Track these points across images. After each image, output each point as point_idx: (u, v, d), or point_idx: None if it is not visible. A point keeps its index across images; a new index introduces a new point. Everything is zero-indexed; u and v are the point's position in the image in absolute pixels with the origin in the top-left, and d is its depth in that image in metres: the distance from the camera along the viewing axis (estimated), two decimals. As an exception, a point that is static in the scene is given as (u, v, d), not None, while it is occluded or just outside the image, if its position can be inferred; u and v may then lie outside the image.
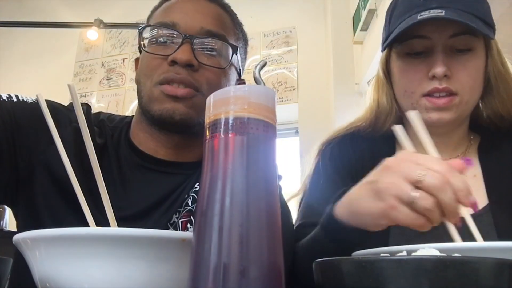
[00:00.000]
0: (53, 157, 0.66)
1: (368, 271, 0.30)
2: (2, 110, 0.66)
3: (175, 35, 0.71)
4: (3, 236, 2.34)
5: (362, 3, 2.26)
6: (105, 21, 2.79)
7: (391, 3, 0.82)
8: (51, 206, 0.66)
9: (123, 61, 3.31)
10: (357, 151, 0.84)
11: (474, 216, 0.69)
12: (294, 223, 0.81)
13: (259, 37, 3.00)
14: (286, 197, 0.84)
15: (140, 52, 0.76)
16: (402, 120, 0.84)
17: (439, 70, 0.70)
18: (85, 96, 3.26)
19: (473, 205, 0.49)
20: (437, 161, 0.49)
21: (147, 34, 0.74)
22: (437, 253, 0.32)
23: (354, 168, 0.80)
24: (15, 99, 0.70)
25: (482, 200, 0.74)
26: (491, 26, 0.73)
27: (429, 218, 0.48)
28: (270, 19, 3.01)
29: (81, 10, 3.22)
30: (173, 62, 0.69)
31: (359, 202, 0.55)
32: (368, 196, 0.53)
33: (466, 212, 0.51)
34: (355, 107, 2.42)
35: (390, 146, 0.82)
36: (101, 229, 0.33)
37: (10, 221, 2.52)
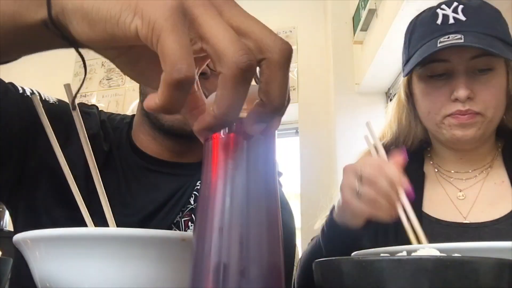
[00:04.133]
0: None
1: (368, 271, 0.30)
2: (22, 104, 0.65)
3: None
4: (3, 236, 2.34)
5: (362, 3, 2.26)
6: (105, 21, 2.79)
7: (409, 25, 0.83)
8: (51, 211, 0.65)
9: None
10: None
11: (505, 218, 0.73)
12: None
13: (259, 37, 3.00)
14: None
15: None
16: (426, 141, 0.87)
17: (461, 93, 0.71)
18: (85, 96, 3.26)
19: (409, 192, 0.58)
20: (377, 158, 0.62)
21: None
22: (437, 253, 0.32)
23: None
24: (38, 96, 0.70)
25: (509, 205, 0.75)
26: (510, 44, 0.74)
27: (376, 206, 0.58)
28: (270, 19, 2.99)
29: (81, 10, 3.22)
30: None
31: (337, 204, 0.65)
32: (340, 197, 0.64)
33: (404, 197, 0.58)
34: (355, 107, 2.43)
35: (418, 162, 0.84)
36: (101, 229, 0.33)
37: (10, 221, 2.52)
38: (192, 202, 0.74)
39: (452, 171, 0.83)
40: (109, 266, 0.33)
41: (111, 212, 0.47)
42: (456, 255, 0.33)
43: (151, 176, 0.74)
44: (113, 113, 0.82)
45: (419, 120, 0.85)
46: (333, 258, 0.33)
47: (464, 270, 0.29)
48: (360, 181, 0.60)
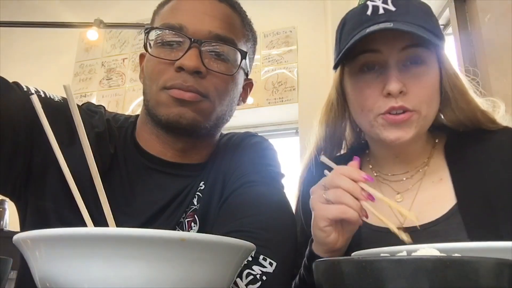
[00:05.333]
0: (70, 160, 0.65)
1: (368, 271, 0.30)
2: (27, 102, 0.65)
3: (182, 39, 0.69)
4: (3, 236, 2.34)
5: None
6: (105, 21, 2.79)
7: (340, 22, 0.81)
8: (60, 209, 0.65)
9: (123, 61, 3.31)
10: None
11: (443, 219, 0.71)
12: None
13: (259, 37, 2.97)
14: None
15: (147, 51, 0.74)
16: (361, 146, 0.87)
17: (393, 87, 0.69)
18: (85, 96, 3.26)
19: (366, 178, 0.61)
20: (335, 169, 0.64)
21: (153, 35, 0.72)
22: (437, 253, 0.32)
23: None
24: (42, 95, 0.70)
25: (450, 201, 0.72)
26: (441, 39, 0.72)
27: (346, 204, 0.59)
28: (270, 19, 3.00)
29: (81, 10, 3.22)
30: (180, 68, 0.67)
31: (312, 225, 0.65)
32: (313, 216, 0.65)
33: (365, 186, 0.61)
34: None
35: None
36: (101, 229, 0.33)
37: (10, 221, 2.52)
38: (195, 202, 0.74)
39: (390, 174, 0.81)
40: (109, 266, 0.33)
41: (110, 212, 0.47)
42: (456, 255, 0.33)
43: (155, 176, 0.74)
44: (118, 113, 0.82)
45: (349, 121, 0.84)
46: (333, 258, 0.33)
47: (464, 270, 0.29)
48: (325, 189, 0.63)
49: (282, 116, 2.94)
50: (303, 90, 2.79)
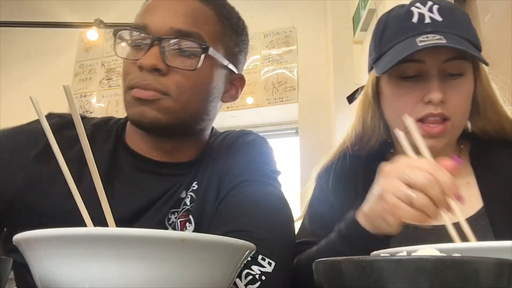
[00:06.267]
0: (33, 192, 0.68)
1: (368, 271, 0.30)
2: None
3: (145, 38, 0.69)
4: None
5: (362, 3, 2.26)
6: (105, 21, 2.79)
7: (379, 22, 0.81)
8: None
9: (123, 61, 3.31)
10: (351, 172, 0.85)
11: (470, 220, 0.72)
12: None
13: (259, 37, 3.00)
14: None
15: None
16: (387, 139, 0.86)
17: (436, 96, 0.70)
18: (85, 96, 3.26)
19: (459, 198, 0.55)
20: (427, 162, 0.57)
21: (121, 37, 0.72)
22: (437, 253, 0.32)
23: (350, 188, 0.82)
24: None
25: (476, 204, 0.74)
26: (480, 49, 0.74)
27: (427, 213, 0.54)
28: (270, 19, 3.00)
29: (81, 10, 3.22)
30: (141, 68, 0.67)
31: (369, 208, 0.61)
32: (375, 202, 0.60)
33: (454, 204, 0.56)
34: (355, 107, 2.43)
35: (380, 161, 0.83)
36: (101, 229, 0.33)
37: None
38: (188, 203, 0.74)
39: None
40: (109, 266, 0.33)
41: (110, 212, 0.47)
42: (456, 255, 0.33)
43: (142, 175, 0.74)
44: (108, 117, 0.83)
45: (383, 121, 0.84)
46: (333, 258, 0.33)
47: (464, 270, 0.29)
48: (409, 187, 0.56)
49: (282, 116, 2.94)
50: (303, 90, 2.79)
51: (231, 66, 0.76)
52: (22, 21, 2.92)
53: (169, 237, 0.33)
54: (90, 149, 0.44)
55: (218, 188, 0.75)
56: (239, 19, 0.80)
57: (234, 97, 0.81)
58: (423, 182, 0.54)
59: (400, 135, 0.62)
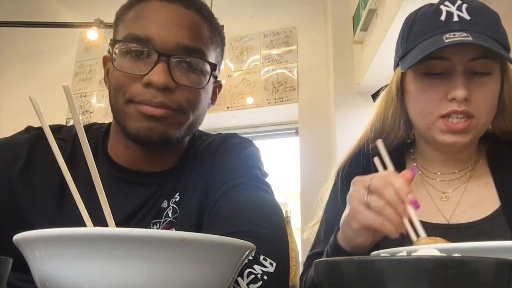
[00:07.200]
0: (19, 204, 0.68)
1: (368, 271, 0.30)
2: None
3: (150, 52, 0.67)
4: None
5: (362, 3, 2.26)
6: (105, 21, 2.79)
7: (408, 19, 0.81)
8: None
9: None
10: (368, 169, 0.85)
11: (488, 219, 0.74)
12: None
13: (259, 37, 2.99)
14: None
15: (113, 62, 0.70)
16: (406, 140, 0.87)
17: (460, 93, 0.71)
18: (85, 96, 3.25)
19: (414, 203, 0.58)
20: (387, 171, 0.63)
21: (118, 45, 0.70)
22: (437, 253, 0.32)
23: None
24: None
25: (494, 204, 0.75)
26: (508, 50, 0.74)
27: (384, 215, 0.58)
28: (270, 19, 3.00)
29: (81, 10, 3.22)
30: (148, 84, 0.65)
31: (342, 219, 0.66)
32: (345, 211, 0.65)
33: (411, 210, 0.59)
34: (355, 107, 2.43)
35: (401, 165, 0.84)
36: (101, 229, 0.33)
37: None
38: (170, 215, 0.74)
39: (438, 173, 0.83)
40: (109, 266, 0.33)
41: (110, 212, 0.47)
42: (456, 255, 0.33)
43: (122, 185, 0.74)
44: (85, 125, 0.81)
45: (404, 119, 0.84)
46: (333, 258, 0.33)
47: (464, 270, 0.29)
48: (368, 191, 0.61)
49: (282, 116, 2.94)
50: (303, 90, 2.79)
51: (217, 75, 0.78)
52: (22, 21, 2.91)
53: (169, 237, 0.33)
54: (90, 149, 0.44)
55: (203, 196, 0.75)
56: (222, 27, 0.81)
57: (214, 103, 0.82)
58: (377, 186, 0.60)
59: (380, 145, 0.67)
